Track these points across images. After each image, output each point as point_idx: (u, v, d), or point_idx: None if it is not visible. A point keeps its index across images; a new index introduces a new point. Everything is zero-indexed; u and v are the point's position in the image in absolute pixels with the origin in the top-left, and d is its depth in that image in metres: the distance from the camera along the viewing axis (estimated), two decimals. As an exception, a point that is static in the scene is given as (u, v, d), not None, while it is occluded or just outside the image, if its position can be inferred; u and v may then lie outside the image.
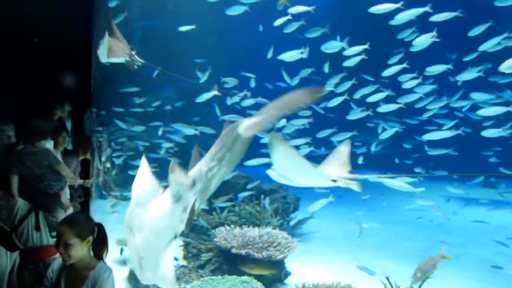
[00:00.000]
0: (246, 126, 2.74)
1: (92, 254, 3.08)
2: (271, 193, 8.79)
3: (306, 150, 7.02)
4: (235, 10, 7.53)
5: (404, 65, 7.34)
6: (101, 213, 8.10)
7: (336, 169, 3.68)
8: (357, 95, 7.99)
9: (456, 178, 12.77)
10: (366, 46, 7.17)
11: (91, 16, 7.32)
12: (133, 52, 5.06)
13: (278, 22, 7.35)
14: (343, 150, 3.95)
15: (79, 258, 2.98)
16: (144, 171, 3.27)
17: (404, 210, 8.75)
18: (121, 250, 6.51)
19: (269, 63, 9.00)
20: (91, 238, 3.03)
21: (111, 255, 6.70)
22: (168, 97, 10.63)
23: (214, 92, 7.67)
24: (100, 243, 3.12)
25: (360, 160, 10.07)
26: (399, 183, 4.85)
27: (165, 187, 3.12)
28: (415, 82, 7.52)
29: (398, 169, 11.84)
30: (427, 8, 6.15)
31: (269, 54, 7.85)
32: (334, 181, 3.52)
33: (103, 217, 8.06)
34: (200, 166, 2.96)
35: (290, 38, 8.34)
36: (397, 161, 11.87)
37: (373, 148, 11.37)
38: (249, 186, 8.34)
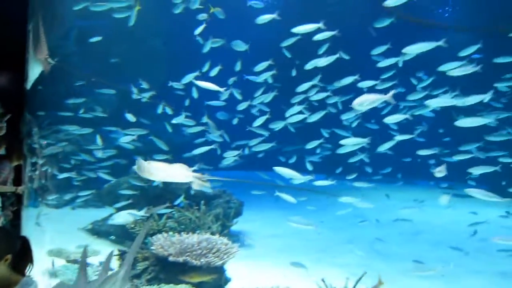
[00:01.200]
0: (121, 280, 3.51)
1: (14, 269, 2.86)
2: (214, 198, 8.75)
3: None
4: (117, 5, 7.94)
5: (315, 82, 8.61)
6: (33, 222, 7.67)
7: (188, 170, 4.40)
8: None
9: (400, 180, 13.60)
10: (270, 62, 8.40)
11: (25, 11, 6.93)
12: (47, 56, 4.97)
13: (198, 30, 7.95)
14: None
15: None
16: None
17: (340, 210, 9.04)
18: (53, 262, 6.18)
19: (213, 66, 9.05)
20: (9, 256, 2.78)
21: (42, 267, 6.35)
22: (107, 100, 10.28)
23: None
24: (22, 259, 2.87)
25: (309, 166, 10.58)
26: (289, 171, 5.55)
27: None
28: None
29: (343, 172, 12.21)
30: (320, 25, 6.88)
31: (205, 68, 8.26)
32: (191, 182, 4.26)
33: (35, 226, 7.64)
34: None
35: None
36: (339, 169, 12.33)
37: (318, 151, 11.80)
38: (192, 191, 8.26)
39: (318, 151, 11.66)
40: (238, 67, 8.81)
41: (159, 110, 8.86)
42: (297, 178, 5.56)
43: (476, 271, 7.24)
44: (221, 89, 7.36)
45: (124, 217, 6.20)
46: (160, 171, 4.03)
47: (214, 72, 8.32)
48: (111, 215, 7.07)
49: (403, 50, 6.44)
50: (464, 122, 6.68)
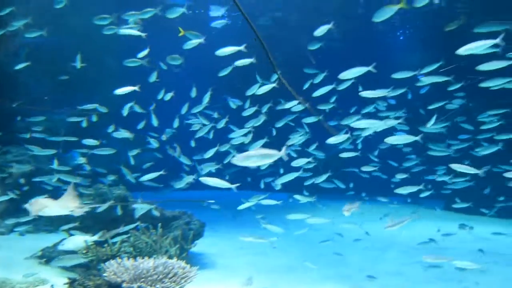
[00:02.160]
0: None
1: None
2: (174, 220, 8.49)
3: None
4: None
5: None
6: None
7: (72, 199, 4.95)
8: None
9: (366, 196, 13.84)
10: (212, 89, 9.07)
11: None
12: None
13: (142, 54, 8.25)
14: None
15: None
16: None
17: (303, 227, 9.02)
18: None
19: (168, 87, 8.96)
20: None
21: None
22: (60, 119, 9.89)
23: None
24: None
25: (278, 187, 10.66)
26: (216, 180, 5.65)
27: None
28: None
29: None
30: (241, 48, 7.27)
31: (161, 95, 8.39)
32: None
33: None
34: None
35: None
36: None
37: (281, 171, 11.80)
38: (155, 213, 8.01)
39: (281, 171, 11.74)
40: (193, 93, 9.16)
41: (111, 130, 8.60)
42: (225, 186, 5.61)
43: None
44: (136, 88, 7.39)
45: (75, 242, 5.86)
46: (46, 207, 4.61)
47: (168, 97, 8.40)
48: (62, 240, 6.69)
49: (339, 76, 6.85)
50: (392, 140, 7.02)
